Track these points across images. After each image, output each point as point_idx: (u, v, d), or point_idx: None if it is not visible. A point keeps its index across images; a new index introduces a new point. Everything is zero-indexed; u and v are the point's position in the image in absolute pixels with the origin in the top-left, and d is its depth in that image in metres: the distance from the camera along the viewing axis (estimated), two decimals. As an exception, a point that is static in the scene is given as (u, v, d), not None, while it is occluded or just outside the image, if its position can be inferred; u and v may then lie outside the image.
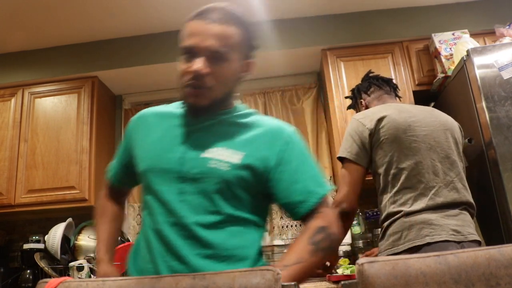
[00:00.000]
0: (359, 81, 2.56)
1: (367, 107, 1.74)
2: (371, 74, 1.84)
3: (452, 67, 2.25)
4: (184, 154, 1.00)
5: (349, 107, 1.93)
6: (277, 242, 2.75)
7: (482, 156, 1.90)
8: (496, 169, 1.79)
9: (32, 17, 2.50)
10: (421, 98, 2.57)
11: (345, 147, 1.53)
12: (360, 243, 2.50)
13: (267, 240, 2.75)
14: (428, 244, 1.32)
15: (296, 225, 2.75)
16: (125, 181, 1.22)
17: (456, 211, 1.39)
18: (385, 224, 1.44)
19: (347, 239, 2.49)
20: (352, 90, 1.88)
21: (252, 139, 1.02)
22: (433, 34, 2.50)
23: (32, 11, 2.44)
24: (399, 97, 1.83)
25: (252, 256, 1.00)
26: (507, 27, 2.27)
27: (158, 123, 1.09)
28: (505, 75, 1.87)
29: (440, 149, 1.46)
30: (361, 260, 0.75)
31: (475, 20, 2.62)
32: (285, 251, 2.73)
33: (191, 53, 0.97)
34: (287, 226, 2.75)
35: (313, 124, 2.87)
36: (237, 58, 1.01)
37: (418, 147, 1.44)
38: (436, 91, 2.48)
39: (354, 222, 2.53)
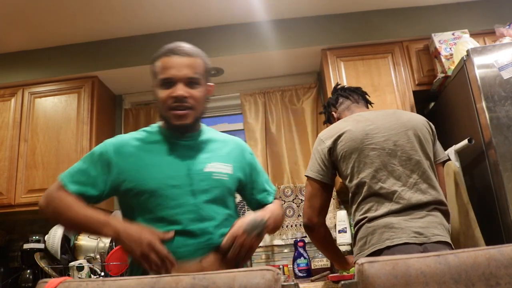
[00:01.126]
0: (359, 81, 2.59)
1: (339, 119, 1.78)
2: (338, 87, 1.88)
3: (452, 67, 2.25)
4: (189, 172, 1.22)
5: (325, 122, 1.97)
6: (277, 242, 2.75)
7: (482, 156, 1.90)
8: (496, 169, 1.79)
9: (32, 17, 2.50)
10: (421, 98, 2.57)
11: (309, 165, 1.61)
12: (360, 243, 2.50)
13: (267, 240, 2.76)
14: (388, 247, 1.32)
15: (295, 225, 2.75)
16: (96, 197, 1.24)
17: (422, 212, 1.38)
18: (354, 230, 1.48)
19: (347, 239, 2.49)
20: (324, 105, 1.93)
21: (230, 153, 1.33)
22: (433, 34, 2.50)
23: (32, 11, 2.44)
24: (370, 103, 1.86)
25: None
26: (507, 27, 2.27)
27: (145, 149, 1.26)
28: (505, 75, 1.87)
29: (401, 152, 1.46)
30: (361, 260, 0.75)
31: (475, 20, 2.62)
32: (285, 250, 2.73)
33: (170, 82, 1.20)
34: (287, 226, 2.75)
35: (313, 124, 2.87)
36: (204, 82, 1.26)
37: (377, 154, 1.45)
38: (436, 91, 2.48)
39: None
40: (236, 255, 1.13)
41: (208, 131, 1.37)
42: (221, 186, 1.25)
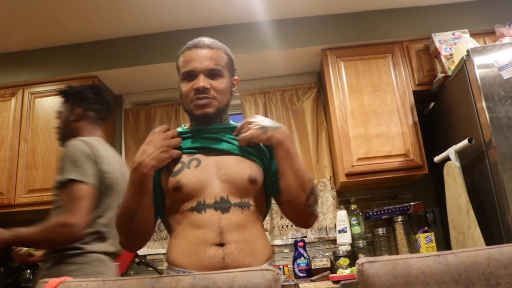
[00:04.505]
0: (359, 81, 2.59)
1: (74, 126, 1.66)
2: (97, 89, 1.72)
3: (452, 67, 2.25)
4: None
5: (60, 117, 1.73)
6: (277, 242, 2.74)
7: (482, 156, 1.90)
8: (496, 169, 1.79)
9: (32, 17, 2.50)
10: (421, 98, 2.57)
11: (76, 169, 1.44)
12: (360, 243, 2.50)
13: (267, 240, 2.75)
14: None
15: (295, 225, 2.75)
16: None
17: None
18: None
19: (347, 239, 2.48)
20: (76, 92, 1.70)
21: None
22: (433, 34, 2.51)
23: (32, 11, 2.44)
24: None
25: None
26: (507, 27, 2.27)
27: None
28: (505, 74, 1.88)
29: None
30: (361, 260, 0.75)
31: (475, 20, 2.62)
32: (285, 250, 2.73)
33: (192, 75, 1.19)
34: (287, 226, 2.75)
35: (313, 124, 2.87)
36: (227, 75, 1.24)
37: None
38: (436, 91, 2.48)
39: (354, 222, 2.53)
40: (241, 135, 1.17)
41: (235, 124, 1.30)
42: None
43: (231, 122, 1.30)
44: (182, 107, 1.26)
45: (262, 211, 1.23)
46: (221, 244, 1.07)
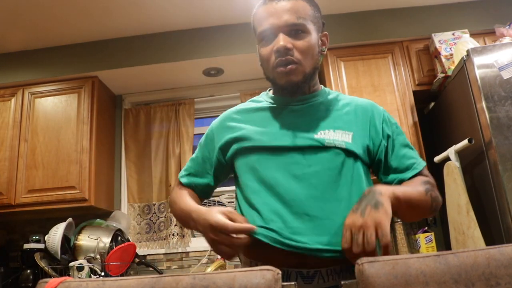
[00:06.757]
0: (359, 81, 2.59)
1: None
2: None
3: (452, 67, 2.25)
4: (295, 137, 1.00)
5: None
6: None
7: (482, 156, 1.90)
8: (496, 169, 1.79)
9: (32, 17, 2.50)
10: (421, 98, 2.57)
11: None
12: (360, 243, 2.50)
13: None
14: None
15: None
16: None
17: None
18: None
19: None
20: None
21: (353, 119, 1.04)
22: (433, 34, 2.50)
23: (32, 11, 2.44)
24: None
25: None
26: (507, 27, 2.27)
27: (249, 117, 1.09)
28: (505, 75, 1.88)
29: None
30: (361, 260, 0.75)
31: (475, 20, 2.62)
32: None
33: (270, 35, 0.99)
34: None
35: (313, 124, 2.87)
36: (313, 29, 1.02)
37: None
38: (436, 91, 2.48)
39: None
40: (364, 248, 0.81)
41: (327, 93, 1.12)
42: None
43: (321, 88, 1.12)
44: (264, 74, 1.07)
45: None
46: None
